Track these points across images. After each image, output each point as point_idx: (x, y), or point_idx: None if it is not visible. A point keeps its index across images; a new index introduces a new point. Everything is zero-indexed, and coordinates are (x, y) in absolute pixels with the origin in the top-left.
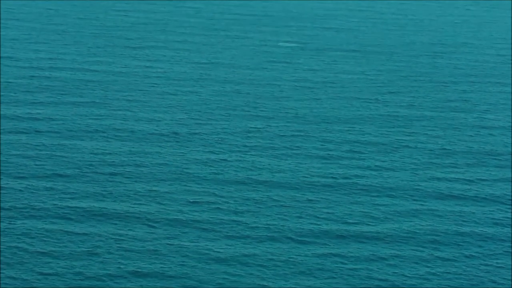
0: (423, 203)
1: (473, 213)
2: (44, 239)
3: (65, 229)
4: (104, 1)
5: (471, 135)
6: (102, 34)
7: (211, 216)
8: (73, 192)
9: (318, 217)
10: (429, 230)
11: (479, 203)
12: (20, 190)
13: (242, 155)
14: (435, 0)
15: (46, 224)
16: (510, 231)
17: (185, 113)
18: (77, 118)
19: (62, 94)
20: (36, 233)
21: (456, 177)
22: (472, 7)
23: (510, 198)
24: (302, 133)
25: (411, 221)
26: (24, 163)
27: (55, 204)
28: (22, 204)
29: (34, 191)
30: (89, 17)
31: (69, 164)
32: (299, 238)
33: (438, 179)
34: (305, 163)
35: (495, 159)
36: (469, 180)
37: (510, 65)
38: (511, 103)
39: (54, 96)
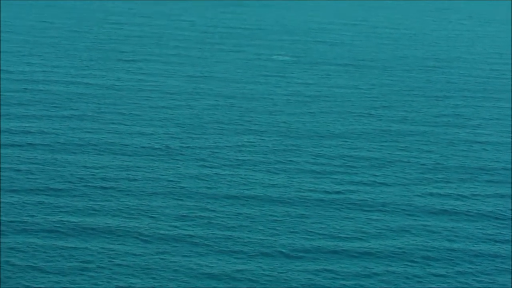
0: (415, 219)
1: (466, 228)
2: (35, 253)
3: (56, 244)
4: (98, 14)
5: (464, 150)
6: (96, 47)
7: (203, 231)
8: (64, 206)
9: (310, 232)
10: (421, 246)
11: (471, 219)
12: (12, 204)
13: (234, 170)
14: (427, 2)
15: (37, 238)
16: (502, 247)
17: (178, 127)
18: (70, 132)
19: (54, 107)
20: (27, 247)
21: (449, 192)
22: (466, 22)
23: (502, 213)
24: (294, 147)
25: (403, 237)
26: (16, 176)
27: (46, 218)
28: (13, 218)
29: (26, 205)
30: (82, 30)
31: (61, 178)
32: (291, 254)
33: (431, 194)
34: (298, 178)
35: (488, 174)
36: (461, 196)
37: (503, 80)
38: (503, 118)
39: (47, 109)
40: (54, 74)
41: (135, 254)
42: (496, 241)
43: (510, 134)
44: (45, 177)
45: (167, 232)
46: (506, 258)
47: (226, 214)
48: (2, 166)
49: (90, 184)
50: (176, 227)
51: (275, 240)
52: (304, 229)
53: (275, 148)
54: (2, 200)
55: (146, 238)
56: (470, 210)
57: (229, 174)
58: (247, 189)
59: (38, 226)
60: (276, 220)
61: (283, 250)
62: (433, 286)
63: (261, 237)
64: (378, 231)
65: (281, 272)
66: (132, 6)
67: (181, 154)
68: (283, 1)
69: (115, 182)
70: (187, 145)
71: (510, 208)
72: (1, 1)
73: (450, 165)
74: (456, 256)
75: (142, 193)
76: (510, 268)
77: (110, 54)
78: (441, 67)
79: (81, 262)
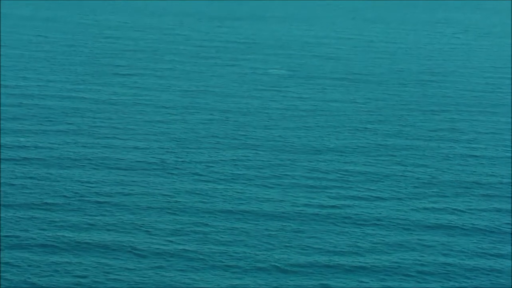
0: (410, 233)
1: (461, 243)
2: (29, 268)
3: (51, 259)
4: (92, 28)
5: (459, 164)
6: (91, 61)
7: (198, 246)
8: (59, 221)
9: (305, 247)
10: (416, 260)
11: (467, 233)
12: (6, 219)
13: (229, 184)
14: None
15: (31, 253)
16: (498, 262)
17: (173, 141)
18: (65, 146)
19: (49, 121)
20: (21, 262)
21: (444, 206)
22: (461, 35)
23: (497, 228)
24: (290, 162)
25: (398, 251)
26: (11, 191)
27: (40, 233)
28: (8, 232)
29: (20, 220)
30: (78, 44)
31: (56, 193)
32: (286, 268)
33: (426, 208)
34: (293, 192)
35: (483, 188)
36: (457, 210)
37: (498, 94)
38: (498, 132)
39: (41, 123)
40: (49, 88)
41: (130, 269)
42: (491, 255)
43: (506, 148)
44: (39, 192)
45: (162, 247)
46: (502, 272)
47: (221, 229)
48: None
49: (85, 199)
50: (171, 241)
51: (270, 255)
52: (299, 243)
53: (270, 162)
54: None
55: (141, 253)
56: (465, 225)
57: (224, 188)
58: (242, 204)
59: (32, 241)
60: (271, 234)
61: (278, 265)
62: None
63: (256, 252)
64: (373, 245)
65: (276, 287)
66: (127, 20)
67: (176, 168)
68: (278, 16)
69: (110, 196)
70: (182, 160)
71: (506, 222)
72: None
73: (445, 179)
74: (451, 270)
75: (137, 207)
76: (510, 283)
77: (105, 68)
78: (437, 81)
79: (75, 276)
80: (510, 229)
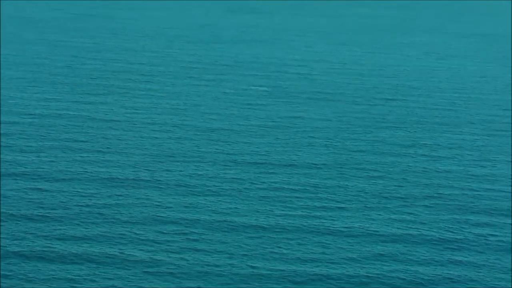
0: (376, 243)
1: (427, 255)
2: (22, 278)
3: (43, 269)
4: (90, 50)
5: (421, 177)
6: (86, 81)
7: (183, 258)
8: (51, 233)
9: (279, 256)
10: (385, 272)
11: (426, 242)
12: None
13: (211, 199)
14: (389, 49)
15: (23, 264)
16: (454, 270)
17: (162, 155)
18: (58, 162)
19: (44, 138)
20: (12, 272)
21: (407, 217)
22: (423, 57)
23: (463, 240)
24: (267, 175)
25: (368, 264)
26: (6, 203)
27: (33, 246)
28: (1, 245)
29: (12, 232)
30: (75, 66)
31: (48, 207)
32: (262, 278)
33: (390, 219)
34: (269, 206)
35: (444, 199)
36: (421, 223)
37: (456, 111)
38: (456, 147)
39: (36, 141)
40: (46, 107)
41: (118, 278)
42: (450, 263)
43: (465, 162)
44: (32, 206)
45: (150, 260)
46: (460, 282)
47: (205, 242)
48: None
49: (76, 213)
50: (159, 253)
51: (247, 266)
52: (276, 256)
53: (249, 178)
54: None
55: (130, 265)
56: (427, 234)
57: (206, 203)
58: (221, 217)
59: (25, 252)
60: (249, 247)
61: (257, 277)
62: None
63: (234, 263)
64: (344, 258)
65: None
66: (122, 44)
67: (163, 183)
68: (259, 39)
69: (102, 209)
70: (171, 174)
71: (467, 232)
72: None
73: (408, 191)
74: (420, 282)
75: (127, 220)
76: None
77: (101, 88)
78: (401, 99)
79: (65, 285)
80: (466, 238)
